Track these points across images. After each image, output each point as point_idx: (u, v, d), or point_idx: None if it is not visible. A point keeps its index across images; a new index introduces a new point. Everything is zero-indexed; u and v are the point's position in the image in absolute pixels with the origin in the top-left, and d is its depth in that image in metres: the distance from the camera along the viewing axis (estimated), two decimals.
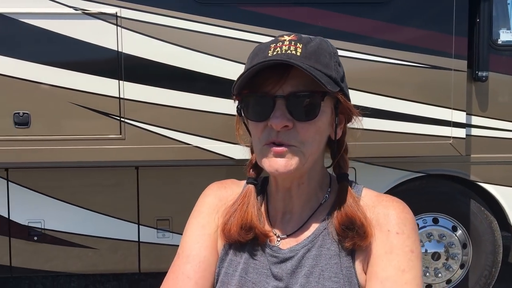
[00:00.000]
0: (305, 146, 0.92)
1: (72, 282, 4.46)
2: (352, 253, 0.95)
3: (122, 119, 3.12)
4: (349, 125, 1.03)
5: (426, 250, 3.53)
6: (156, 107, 3.16)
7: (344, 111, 0.99)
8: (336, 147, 0.99)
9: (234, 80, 0.93)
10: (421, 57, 3.20)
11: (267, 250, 0.97)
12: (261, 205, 1.03)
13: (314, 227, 0.98)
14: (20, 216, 3.43)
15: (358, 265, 0.95)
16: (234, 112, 0.98)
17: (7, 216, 3.42)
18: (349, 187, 1.00)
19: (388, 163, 3.51)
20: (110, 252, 3.52)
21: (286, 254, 0.96)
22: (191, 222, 1.04)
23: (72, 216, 3.45)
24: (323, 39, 0.97)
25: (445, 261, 3.53)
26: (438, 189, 3.62)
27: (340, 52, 3.37)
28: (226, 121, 3.23)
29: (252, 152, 1.04)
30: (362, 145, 3.22)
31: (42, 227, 3.44)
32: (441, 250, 3.53)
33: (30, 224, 3.43)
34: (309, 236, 0.97)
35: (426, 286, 3.56)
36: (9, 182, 3.40)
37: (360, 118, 1.02)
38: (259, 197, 1.03)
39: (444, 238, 3.53)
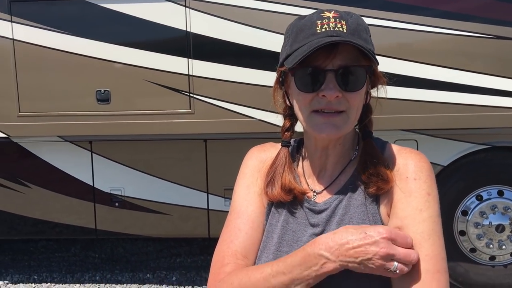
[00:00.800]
0: (351, 112, 1.04)
1: (149, 246, 4.85)
2: (376, 201, 1.07)
3: (191, 94, 3.35)
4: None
5: (490, 222, 3.51)
6: (223, 83, 3.35)
7: (375, 80, 1.11)
8: (365, 110, 1.12)
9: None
10: (487, 27, 3.15)
11: (305, 204, 1.11)
12: (297, 164, 1.17)
13: (344, 180, 1.11)
14: (103, 184, 3.78)
15: (382, 211, 1.06)
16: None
17: (92, 184, 3.78)
18: (374, 142, 1.12)
19: (451, 135, 3.50)
20: (182, 218, 3.80)
21: (321, 206, 1.10)
22: (238, 183, 1.20)
23: (148, 185, 3.75)
24: (357, 15, 1.07)
25: (510, 234, 3.50)
26: (503, 161, 3.56)
27: (405, 26, 3.39)
28: None
29: (284, 118, 1.17)
30: (425, 117, 3.27)
31: (122, 195, 3.77)
32: (506, 223, 3.50)
33: (112, 192, 3.78)
34: (340, 189, 1.10)
35: (489, 258, 3.56)
36: (93, 154, 3.75)
37: (385, 86, 1.13)
38: (297, 156, 1.17)
39: (509, 210, 3.49)
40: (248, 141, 3.57)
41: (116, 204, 3.79)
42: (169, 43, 3.34)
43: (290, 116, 1.16)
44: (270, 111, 3.35)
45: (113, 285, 4.02)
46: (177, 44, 3.32)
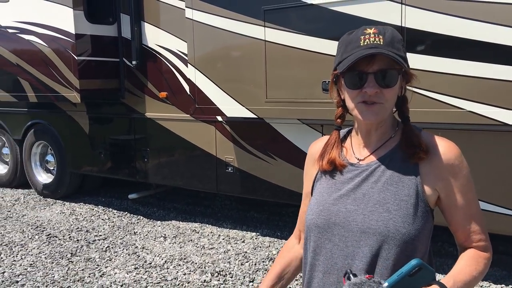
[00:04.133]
0: (387, 103, 1.32)
1: None
2: (414, 169, 1.32)
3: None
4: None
5: None
6: (434, 75, 3.48)
7: (408, 77, 1.36)
8: (401, 100, 1.39)
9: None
10: None
11: (350, 166, 1.40)
12: (347, 141, 1.46)
13: (385, 151, 1.37)
14: None
15: (424, 181, 1.31)
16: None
17: None
18: (411, 124, 1.38)
19: None
20: None
21: (363, 167, 1.37)
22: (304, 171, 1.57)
23: None
24: (392, 29, 1.33)
25: None
26: None
27: None
28: (498, 86, 3.27)
29: (337, 107, 1.46)
30: None
31: None
32: None
33: None
34: (381, 157, 1.37)
35: None
36: (324, 136, 4.36)
37: (416, 80, 1.39)
38: (349, 135, 1.47)
39: None
40: (457, 132, 3.65)
41: None
42: None
43: (342, 106, 1.44)
44: (480, 103, 3.36)
45: None
46: None
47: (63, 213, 6.25)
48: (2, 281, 4.17)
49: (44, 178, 7.19)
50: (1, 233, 5.51)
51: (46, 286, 4.06)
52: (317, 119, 4.21)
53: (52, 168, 7.08)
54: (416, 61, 3.52)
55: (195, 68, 4.67)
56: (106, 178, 6.85)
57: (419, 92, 3.54)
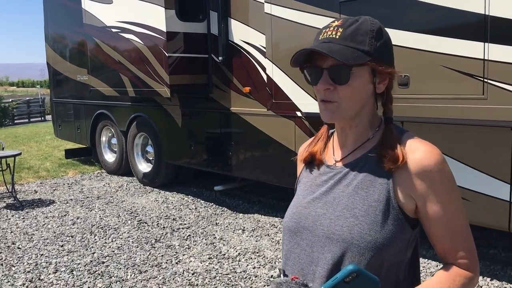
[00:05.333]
0: (344, 102, 1.22)
1: None
2: (389, 176, 1.20)
3: (485, 80, 3.26)
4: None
5: None
6: None
7: (382, 73, 1.23)
8: (380, 98, 1.28)
9: None
10: None
11: (326, 168, 1.33)
12: (331, 139, 1.38)
13: (360, 153, 1.27)
14: None
15: (397, 187, 1.20)
16: None
17: None
18: (392, 126, 1.25)
19: None
20: (481, 206, 3.70)
21: (338, 170, 1.29)
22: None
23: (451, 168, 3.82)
24: (364, 20, 1.21)
25: None
26: None
27: None
28: None
29: None
30: None
31: None
32: None
33: None
34: (355, 159, 1.27)
35: None
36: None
37: (397, 75, 1.28)
38: (334, 134, 1.37)
39: None
40: None
41: None
42: (465, 28, 3.34)
43: None
44: None
45: None
46: (473, 29, 3.28)
47: (156, 201, 6.65)
48: (91, 261, 4.55)
49: (144, 167, 7.71)
50: (100, 216, 6.01)
51: (127, 269, 4.36)
52: (395, 115, 3.96)
53: (151, 158, 7.56)
54: (503, 52, 3.17)
55: (272, 62, 4.67)
56: (199, 169, 7.15)
57: (504, 87, 3.19)
